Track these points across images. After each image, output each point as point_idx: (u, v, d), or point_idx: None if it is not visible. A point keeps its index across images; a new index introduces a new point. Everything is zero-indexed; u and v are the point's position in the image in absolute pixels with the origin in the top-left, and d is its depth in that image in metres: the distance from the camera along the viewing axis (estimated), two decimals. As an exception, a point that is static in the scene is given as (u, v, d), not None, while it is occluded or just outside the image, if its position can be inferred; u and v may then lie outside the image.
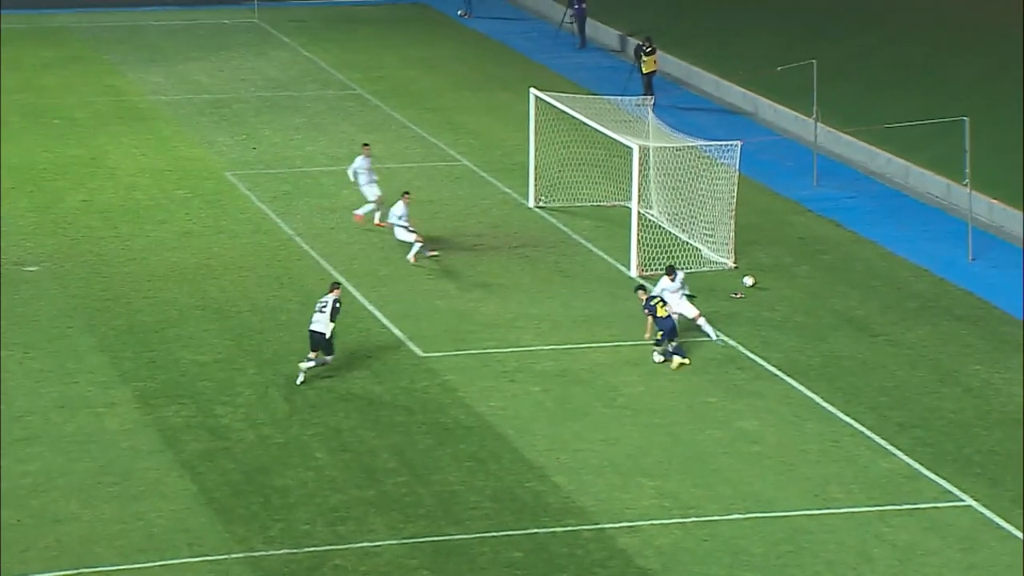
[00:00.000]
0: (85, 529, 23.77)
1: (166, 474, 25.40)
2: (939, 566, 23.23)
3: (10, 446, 26.22)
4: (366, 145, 36.73)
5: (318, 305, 28.44)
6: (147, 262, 34.19)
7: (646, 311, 29.50)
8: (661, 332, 29.31)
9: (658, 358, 29.33)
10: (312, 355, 28.23)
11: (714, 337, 30.29)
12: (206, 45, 52.93)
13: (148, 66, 50.06)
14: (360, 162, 35.81)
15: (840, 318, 32.04)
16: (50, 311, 31.57)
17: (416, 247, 33.64)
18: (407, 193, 34.32)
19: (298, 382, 28.05)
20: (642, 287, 30.69)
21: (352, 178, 35.91)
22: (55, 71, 49.37)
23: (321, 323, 28.20)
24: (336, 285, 28.94)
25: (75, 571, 22.74)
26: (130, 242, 35.38)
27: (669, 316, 29.34)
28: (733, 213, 34.55)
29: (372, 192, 35.61)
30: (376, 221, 35.50)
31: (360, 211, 35.51)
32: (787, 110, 44.79)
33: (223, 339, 30.41)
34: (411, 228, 33.57)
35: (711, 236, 34.71)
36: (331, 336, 28.26)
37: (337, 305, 28.32)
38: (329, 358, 28.51)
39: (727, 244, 34.52)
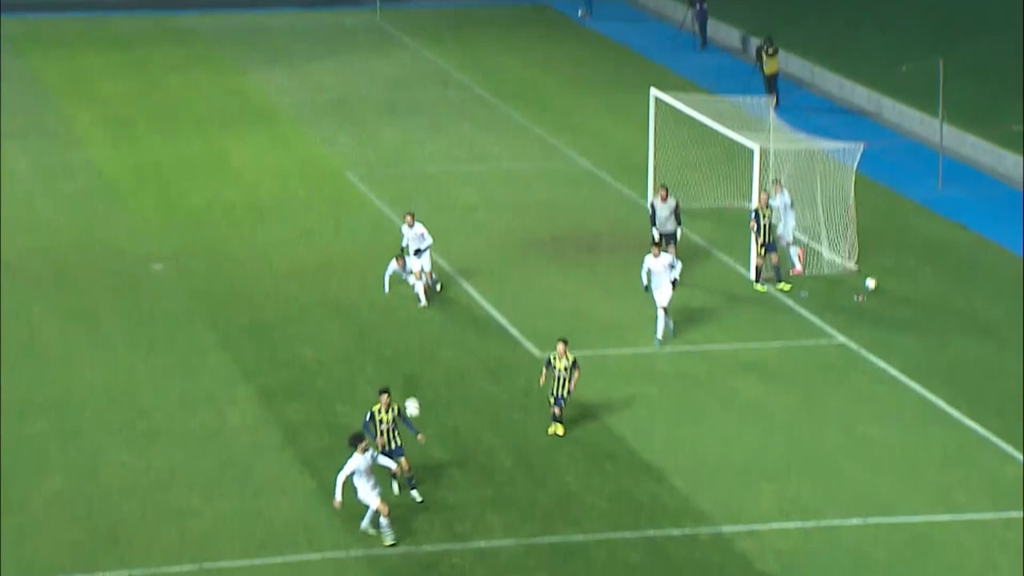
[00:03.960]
0: (207, 524, 24.04)
1: (287, 470, 25.62)
2: (1066, 576, 22.77)
3: (134, 441, 26.61)
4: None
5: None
6: (269, 260, 34.54)
7: None
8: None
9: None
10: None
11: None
12: (328, 46, 53.36)
13: (271, 67, 50.58)
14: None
15: (965, 322, 31.51)
16: (174, 308, 31.99)
17: None
18: None
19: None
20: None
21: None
22: (181, 72, 50.05)
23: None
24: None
25: (197, 565, 23.00)
26: (253, 241, 35.78)
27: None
28: (855, 215, 34.12)
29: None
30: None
31: None
32: (912, 111, 44.15)
33: (343, 337, 30.62)
34: None
35: (833, 238, 34.31)
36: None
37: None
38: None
39: (849, 246, 34.11)
